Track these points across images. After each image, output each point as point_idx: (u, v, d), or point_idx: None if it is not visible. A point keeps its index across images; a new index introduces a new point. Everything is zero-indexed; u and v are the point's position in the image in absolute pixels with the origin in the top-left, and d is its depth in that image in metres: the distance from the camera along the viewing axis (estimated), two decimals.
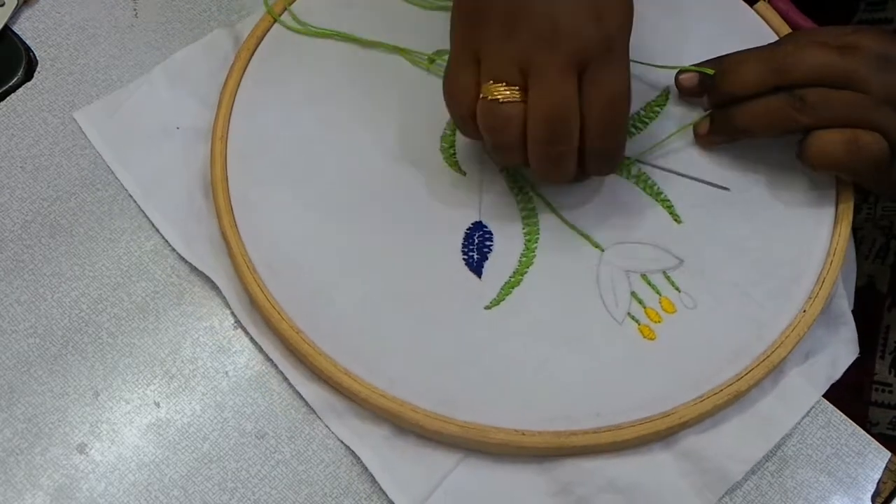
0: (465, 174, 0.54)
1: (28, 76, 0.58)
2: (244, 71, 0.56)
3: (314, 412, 0.49)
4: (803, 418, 0.50)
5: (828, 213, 0.53)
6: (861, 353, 0.53)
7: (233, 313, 0.51)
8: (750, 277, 0.51)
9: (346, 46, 0.58)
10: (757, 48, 0.53)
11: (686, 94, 0.56)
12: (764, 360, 0.49)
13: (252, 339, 0.51)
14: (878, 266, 0.66)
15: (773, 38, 0.57)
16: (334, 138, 0.55)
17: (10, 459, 0.48)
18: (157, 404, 0.50)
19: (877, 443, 0.50)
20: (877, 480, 0.49)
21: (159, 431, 0.49)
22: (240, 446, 0.49)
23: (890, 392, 0.62)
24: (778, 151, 0.54)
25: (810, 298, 0.50)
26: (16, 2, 0.59)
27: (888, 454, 0.50)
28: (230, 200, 0.52)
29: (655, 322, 0.50)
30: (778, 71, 0.50)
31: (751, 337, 0.50)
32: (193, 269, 0.52)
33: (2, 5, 0.58)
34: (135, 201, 0.54)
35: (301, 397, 0.50)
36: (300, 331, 0.49)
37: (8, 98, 0.57)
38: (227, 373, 0.51)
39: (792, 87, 0.50)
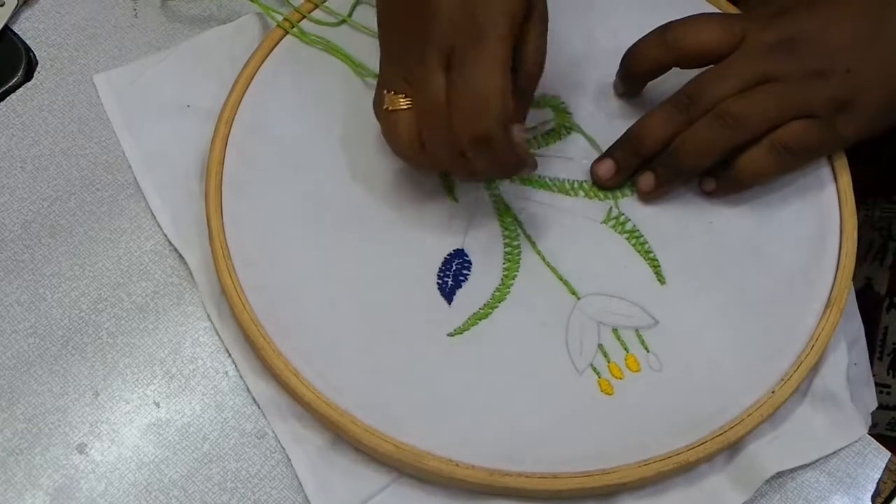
0: (457, 201, 0.53)
1: (28, 76, 0.58)
2: (264, 60, 0.56)
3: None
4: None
5: (820, 297, 0.51)
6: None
7: (201, 299, 0.51)
8: (723, 350, 0.50)
9: (366, 53, 0.57)
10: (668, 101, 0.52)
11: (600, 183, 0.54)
12: (719, 435, 0.47)
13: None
14: (877, 268, 0.66)
15: None
16: (337, 145, 0.54)
17: (10, 459, 0.48)
18: (157, 404, 0.50)
19: (877, 443, 0.50)
20: (877, 480, 0.49)
21: (159, 431, 0.49)
22: (240, 446, 0.49)
23: (888, 393, 0.63)
24: (769, 229, 0.53)
25: (783, 380, 0.48)
26: (16, 2, 0.59)
27: (888, 454, 0.50)
28: (221, 185, 0.52)
29: (617, 378, 0.49)
30: (693, 98, 0.50)
31: (712, 409, 0.48)
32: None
33: (2, 5, 0.58)
34: (132, 173, 0.55)
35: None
36: (259, 324, 0.48)
37: (8, 98, 0.57)
38: (227, 373, 0.50)
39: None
